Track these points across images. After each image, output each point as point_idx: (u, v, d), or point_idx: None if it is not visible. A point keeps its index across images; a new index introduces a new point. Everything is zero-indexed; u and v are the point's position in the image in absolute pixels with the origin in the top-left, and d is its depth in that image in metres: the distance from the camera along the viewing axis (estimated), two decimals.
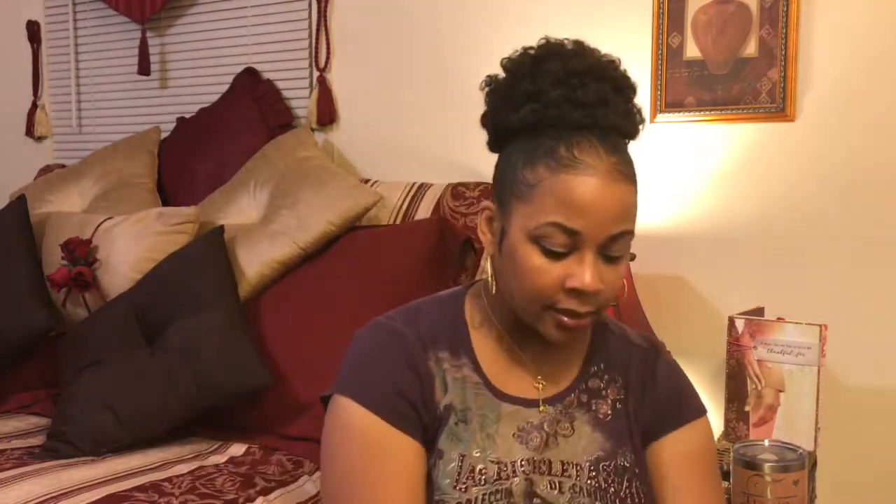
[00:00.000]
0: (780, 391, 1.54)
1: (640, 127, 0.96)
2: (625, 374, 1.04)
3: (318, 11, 2.34)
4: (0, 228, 2.16)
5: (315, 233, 1.95)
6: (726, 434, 1.61)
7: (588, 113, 0.90)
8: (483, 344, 1.01)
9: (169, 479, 1.51)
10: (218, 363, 1.73)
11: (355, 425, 0.94)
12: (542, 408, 1.00)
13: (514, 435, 0.98)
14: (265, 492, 1.49)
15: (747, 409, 1.58)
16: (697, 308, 1.91)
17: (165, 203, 2.37)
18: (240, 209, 2.13)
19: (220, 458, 1.66)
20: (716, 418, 1.83)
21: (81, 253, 2.04)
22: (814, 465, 1.54)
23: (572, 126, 0.90)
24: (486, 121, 0.99)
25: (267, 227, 2.00)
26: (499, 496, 0.94)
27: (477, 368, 1.00)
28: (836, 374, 1.76)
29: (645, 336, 1.11)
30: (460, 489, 0.94)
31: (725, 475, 1.10)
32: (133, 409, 1.70)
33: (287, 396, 1.76)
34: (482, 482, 0.94)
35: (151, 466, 1.59)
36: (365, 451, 0.94)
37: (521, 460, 0.97)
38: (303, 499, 1.50)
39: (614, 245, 0.91)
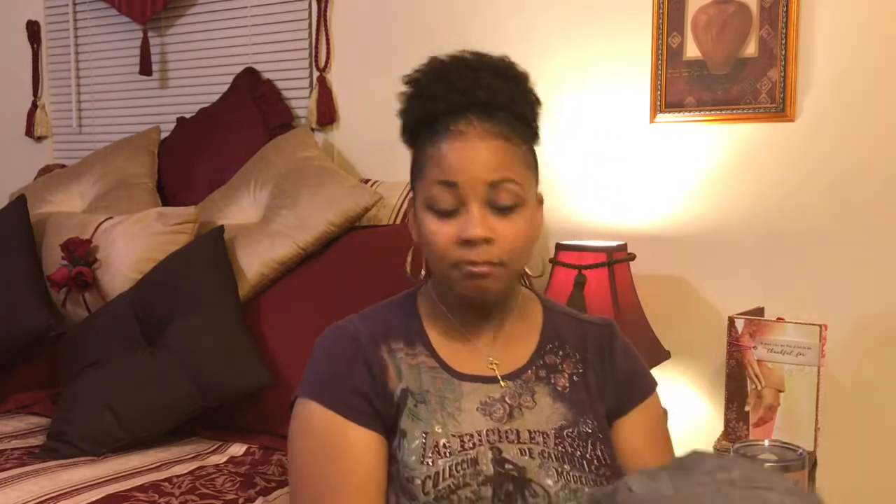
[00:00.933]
0: (780, 391, 1.54)
1: (537, 109, 1.06)
2: (581, 350, 1.12)
3: (318, 11, 2.34)
4: (0, 228, 2.17)
5: (315, 233, 1.95)
6: (726, 434, 1.61)
7: (467, 96, 1.01)
8: (437, 333, 1.09)
9: (169, 479, 1.51)
10: (218, 363, 1.73)
11: (314, 423, 1.04)
12: (503, 383, 1.06)
13: (477, 409, 1.04)
14: (265, 492, 1.49)
15: (747, 409, 1.58)
16: (697, 308, 1.90)
17: (165, 203, 2.37)
18: (240, 209, 2.13)
19: (220, 458, 1.66)
20: (716, 418, 1.83)
21: (81, 253, 2.04)
22: (814, 465, 1.54)
23: (455, 110, 1.01)
24: (403, 137, 1.10)
25: (267, 227, 2.00)
26: (465, 465, 0.99)
27: (433, 354, 1.07)
28: (836, 374, 1.76)
29: (600, 316, 1.21)
30: (427, 464, 0.98)
31: None
32: (133, 409, 1.70)
33: (287, 396, 1.74)
34: (447, 454, 0.99)
35: (151, 466, 1.59)
36: (324, 445, 1.02)
37: (486, 430, 1.02)
38: None
39: (498, 194, 1.00)
